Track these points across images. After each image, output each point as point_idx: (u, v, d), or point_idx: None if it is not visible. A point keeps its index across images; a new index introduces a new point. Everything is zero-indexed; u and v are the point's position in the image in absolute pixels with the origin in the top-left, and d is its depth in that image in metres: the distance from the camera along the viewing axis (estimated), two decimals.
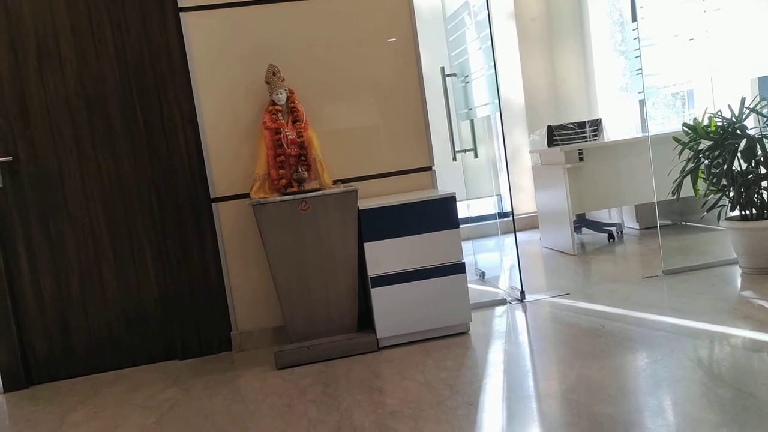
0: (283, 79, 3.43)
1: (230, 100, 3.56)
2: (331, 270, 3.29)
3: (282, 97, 3.42)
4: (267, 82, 3.43)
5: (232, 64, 3.55)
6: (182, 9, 3.48)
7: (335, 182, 3.57)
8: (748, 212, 3.81)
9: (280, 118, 3.41)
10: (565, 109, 6.66)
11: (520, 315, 3.67)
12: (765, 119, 3.83)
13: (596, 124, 5.49)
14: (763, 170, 3.74)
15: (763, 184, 3.74)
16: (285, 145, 3.38)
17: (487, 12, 3.83)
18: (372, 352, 3.30)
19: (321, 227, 3.26)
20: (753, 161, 3.74)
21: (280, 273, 3.26)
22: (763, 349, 2.69)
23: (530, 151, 6.04)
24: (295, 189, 3.32)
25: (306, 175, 3.35)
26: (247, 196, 3.53)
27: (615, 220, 5.80)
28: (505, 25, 6.60)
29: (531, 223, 6.35)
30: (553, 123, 5.59)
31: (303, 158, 3.42)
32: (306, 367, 3.21)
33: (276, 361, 3.24)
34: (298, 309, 3.30)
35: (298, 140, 3.40)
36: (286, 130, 3.40)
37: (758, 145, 3.69)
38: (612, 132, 6.04)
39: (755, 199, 3.76)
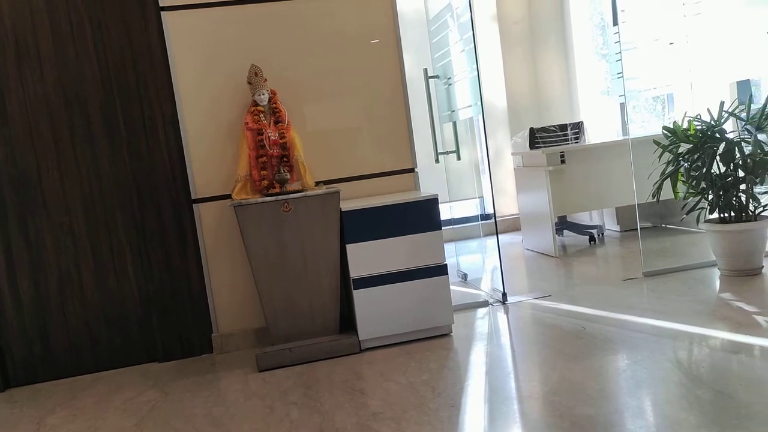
0: (266, 80, 3.41)
1: (212, 100, 3.53)
2: (314, 271, 3.28)
3: (264, 98, 3.40)
4: (249, 83, 3.41)
5: (214, 64, 3.52)
6: (163, 8, 3.45)
7: (318, 183, 3.56)
8: (726, 215, 3.86)
9: (263, 118, 3.39)
10: (547, 112, 6.70)
11: (502, 317, 3.68)
12: (743, 123, 3.88)
13: (578, 127, 5.53)
14: (741, 173, 3.78)
15: (741, 187, 3.78)
16: (267, 146, 3.36)
17: (470, 14, 3.84)
18: (354, 354, 3.29)
19: (303, 229, 3.25)
20: (731, 164, 3.78)
21: (261, 274, 3.25)
22: (742, 351, 2.72)
23: (512, 154, 6.06)
24: (277, 190, 3.31)
25: (288, 176, 3.34)
26: (228, 197, 3.50)
27: (596, 222, 5.84)
28: (487, 28, 6.63)
29: (513, 225, 6.37)
30: (535, 125, 5.62)
31: (285, 159, 3.40)
32: (288, 369, 3.20)
33: (257, 363, 3.22)
34: (280, 311, 3.28)
35: (281, 141, 3.38)
36: (268, 130, 3.38)
37: (736, 149, 3.73)
38: (593, 135, 6.08)
39: (733, 202, 3.81)
